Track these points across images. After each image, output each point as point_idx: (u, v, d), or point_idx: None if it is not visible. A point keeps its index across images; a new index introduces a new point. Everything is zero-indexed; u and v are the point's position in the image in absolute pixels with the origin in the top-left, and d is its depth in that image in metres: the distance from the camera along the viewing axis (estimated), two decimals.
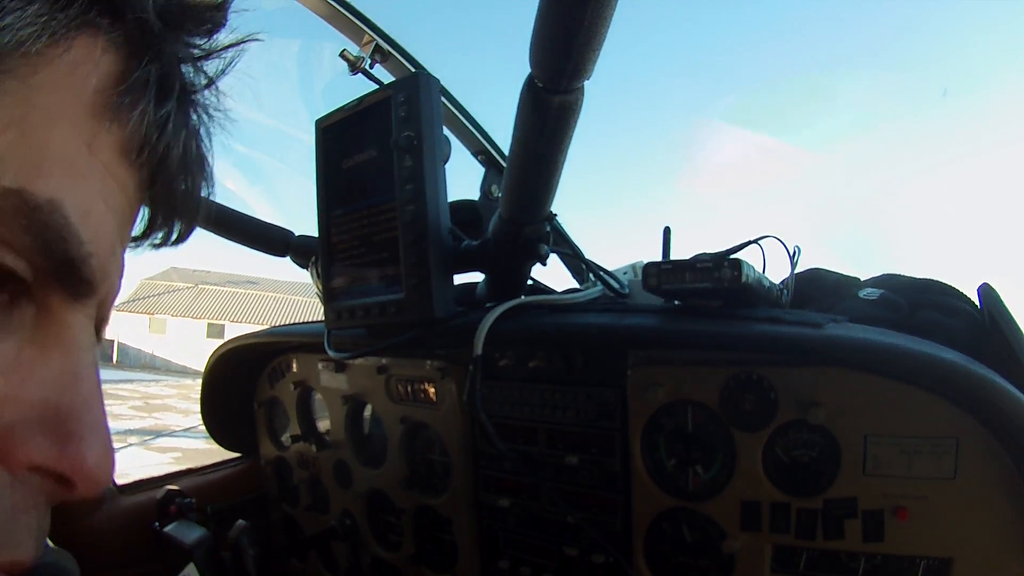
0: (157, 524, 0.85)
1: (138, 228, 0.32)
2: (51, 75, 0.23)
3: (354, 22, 0.96)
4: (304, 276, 0.91)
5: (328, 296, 0.80)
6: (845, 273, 0.80)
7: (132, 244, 0.33)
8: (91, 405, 0.26)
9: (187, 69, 0.30)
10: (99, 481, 0.26)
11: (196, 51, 0.30)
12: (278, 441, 1.12)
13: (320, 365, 0.97)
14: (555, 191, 0.62)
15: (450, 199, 0.71)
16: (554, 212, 0.66)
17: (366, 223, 0.74)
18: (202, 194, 0.34)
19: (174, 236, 0.34)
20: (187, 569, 0.77)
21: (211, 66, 0.31)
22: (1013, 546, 0.51)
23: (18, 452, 0.24)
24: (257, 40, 0.32)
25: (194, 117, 0.31)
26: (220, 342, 1.08)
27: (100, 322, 0.29)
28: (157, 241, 0.34)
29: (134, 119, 0.26)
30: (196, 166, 0.32)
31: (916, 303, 0.69)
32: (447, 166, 0.71)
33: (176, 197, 0.32)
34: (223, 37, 0.31)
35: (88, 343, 0.27)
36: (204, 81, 0.31)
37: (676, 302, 0.67)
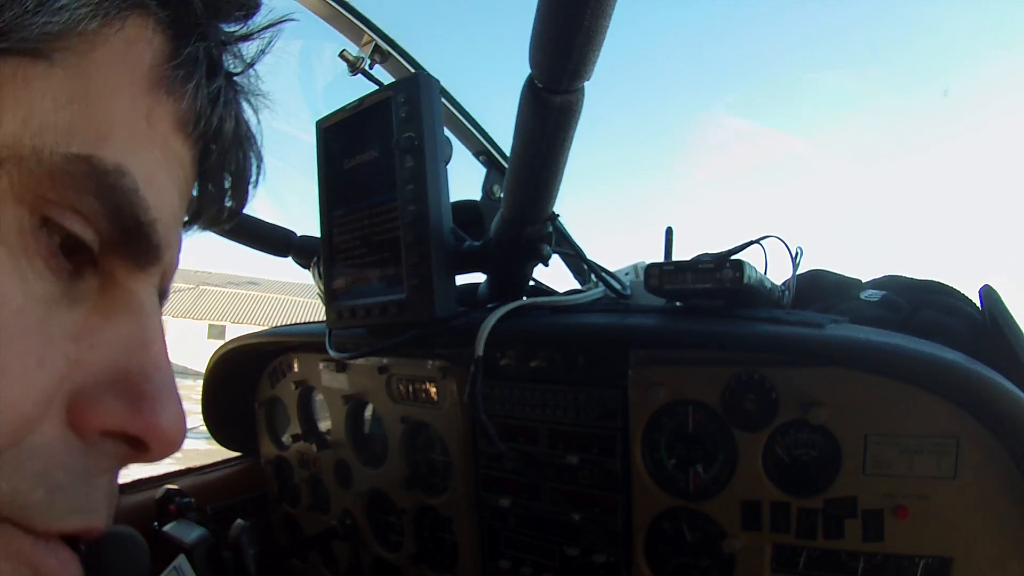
0: (156, 523, 0.85)
1: (191, 208, 0.33)
2: (107, 52, 0.24)
3: (353, 22, 0.97)
4: (305, 277, 0.91)
5: (329, 296, 0.80)
6: (846, 274, 0.80)
7: (184, 228, 0.33)
8: (161, 367, 0.26)
9: (228, 52, 0.31)
10: (173, 441, 0.27)
11: (236, 33, 0.31)
12: (279, 441, 1.12)
13: (321, 365, 0.97)
14: (557, 192, 0.62)
15: (452, 199, 0.71)
16: (556, 212, 0.66)
17: (368, 223, 0.74)
18: (253, 171, 0.35)
19: (226, 214, 0.35)
20: (177, 561, 0.77)
21: (249, 48, 0.32)
22: (1013, 546, 0.51)
23: (90, 417, 0.24)
24: (292, 20, 0.33)
25: (240, 96, 0.32)
26: (221, 343, 1.08)
27: (162, 294, 0.30)
28: (210, 220, 0.34)
29: (188, 93, 0.27)
30: (247, 142, 0.33)
31: (917, 304, 0.69)
32: (449, 166, 0.71)
33: (229, 172, 0.33)
34: (259, 19, 0.32)
35: (154, 309, 0.27)
36: (244, 63, 0.32)
37: (678, 303, 0.67)
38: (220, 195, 0.34)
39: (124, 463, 0.27)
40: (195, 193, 0.33)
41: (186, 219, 0.33)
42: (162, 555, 0.82)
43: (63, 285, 0.23)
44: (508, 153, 0.60)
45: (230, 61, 0.31)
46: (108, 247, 0.25)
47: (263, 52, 0.32)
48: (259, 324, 18.91)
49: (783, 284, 0.69)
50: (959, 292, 0.70)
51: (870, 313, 0.69)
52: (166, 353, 0.27)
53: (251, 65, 0.32)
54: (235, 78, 0.31)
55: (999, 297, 0.62)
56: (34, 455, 0.23)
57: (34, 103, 0.22)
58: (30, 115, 0.21)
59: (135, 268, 0.26)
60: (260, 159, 0.35)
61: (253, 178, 0.35)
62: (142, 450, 0.26)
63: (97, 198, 0.23)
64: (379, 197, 0.72)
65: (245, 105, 0.33)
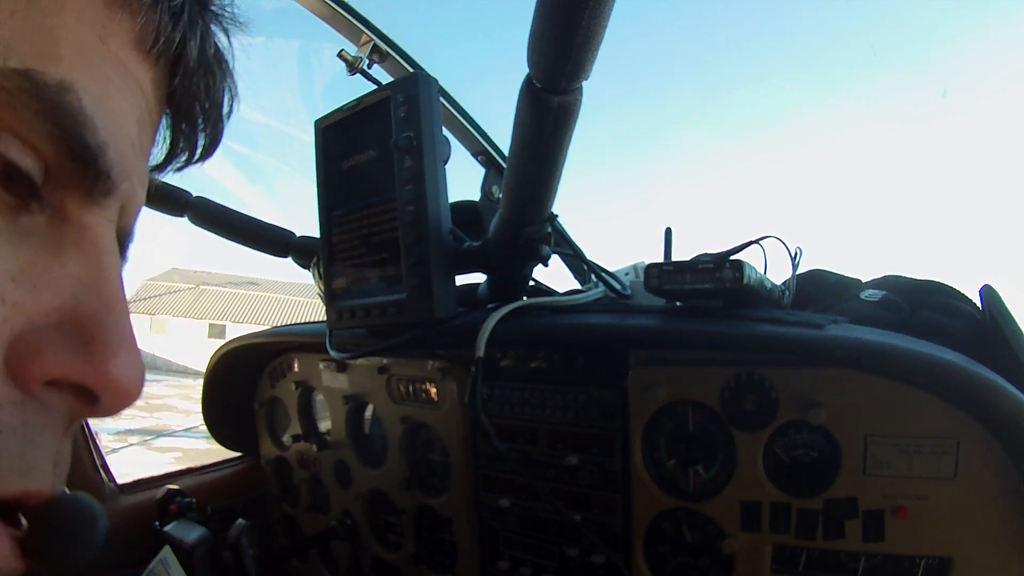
0: (157, 523, 0.85)
1: (161, 152, 0.31)
2: None
3: (352, 22, 0.97)
4: (305, 277, 0.91)
5: (329, 296, 0.80)
6: (846, 274, 0.80)
7: (157, 169, 0.31)
8: (114, 308, 0.24)
9: None
10: (127, 392, 0.24)
11: None
12: (279, 441, 1.12)
13: (321, 365, 0.97)
14: (556, 192, 0.62)
15: (451, 200, 0.71)
16: (555, 213, 0.66)
17: (367, 223, 0.74)
18: (225, 100, 0.32)
19: (199, 150, 0.32)
20: (162, 553, 0.77)
21: None
22: (1013, 546, 0.50)
23: (31, 365, 0.22)
24: None
25: (210, 16, 0.29)
26: (221, 343, 1.08)
27: (124, 234, 0.27)
28: (182, 160, 0.32)
29: (146, 6, 0.25)
30: (216, 64, 0.30)
31: (917, 304, 0.69)
32: (447, 167, 0.71)
33: (198, 99, 0.30)
34: None
35: (109, 246, 0.25)
36: None
37: (678, 303, 0.67)
38: (192, 128, 0.31)
39: (74, 419, 0.24)
40: (169, 132, 0.31)
41: (163, 159, 0.31)
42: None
43: (4, 220, 0.21)
44: (507, 153, 0.60)
45: None
46: (55, 176, 0.22)
47: None
48: (259, 324, 18.93)
49: (783, 284, 0.68)
50: (959, 292, 0.70)
51: (870, 313, 0.69)
52: (121, 294, 0.25)
53: None
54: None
55: (999, 297, 0.62)
56: None
57: None
58: None
59: (88, 201, 0.23)
60: (234, 88, 0.32)
61: (227, 108, 0.32)
62: (92, 402, 0.24)
63: (38, 117, 0.21)
64: (378, 197, 0.72)
65: (216, 28, 0.30)
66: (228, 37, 0.31)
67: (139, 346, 0.25)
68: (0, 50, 0.20)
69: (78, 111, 0.22)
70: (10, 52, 0.20)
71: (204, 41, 0.29)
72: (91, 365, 0.23)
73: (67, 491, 0.26)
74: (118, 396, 0.24)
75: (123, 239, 0.27)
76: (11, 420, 0.21)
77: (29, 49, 0.21)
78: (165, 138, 0.31)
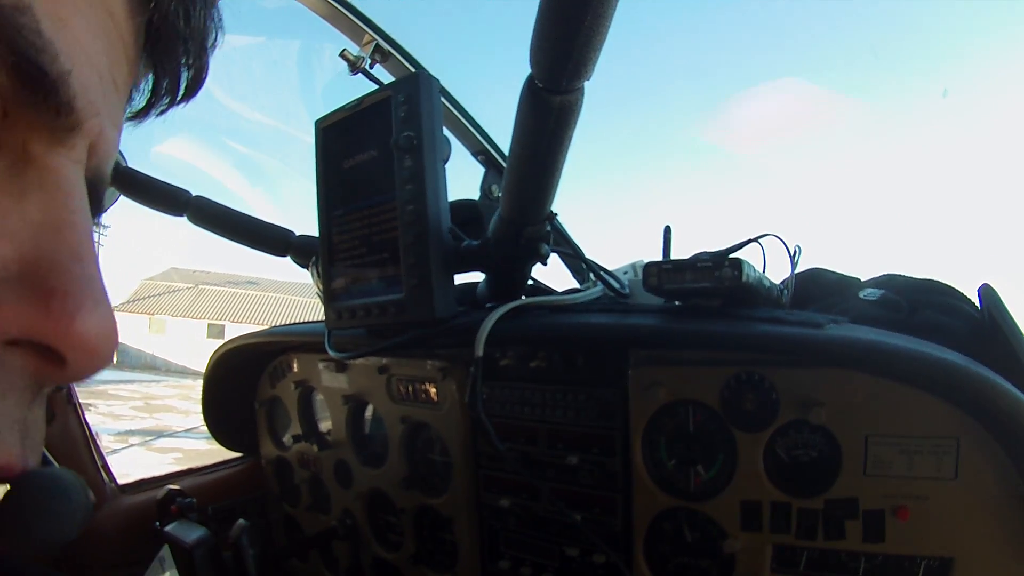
0: (158, 524, 0.85)
1: (144, 98, 0.29)
2: None
3: (354, 22, 0.97)
4: (304, 276, 0.91)
5: (329, 296, 0.80)
6: (846, 273, 0.80)
7: (139, 115, 0.29)
8: (81, 256, 0.21)
9: None
10: (95, 350, 0.21)
11: None
12: (279, 441, 1.12)
13: (321, 365, 0.97)
14: (555, 191, 0.62)
15: (450, 199, 0.71)
16: (555, 212, 0.66)
17: (366, 223, 0.74)
18: (210, 30, 0.29)
19: (182, 89, 0.29)
20: (162, 552, 0.76)
21: None
22: (1013, 546, 0.51)
23: None
24: None
25: None
26: (220, 342, 1.08)
27: (95, 179, 0.24)
28: (165, 103, 0.29)
29: None
30: None
31: (916, 303, 0.69)
32: (447, 166, 0.71)
33: (177, 28, 0.27)
34: None
35: (76, 188, 0.22)
36: None
37: (677, 302, 0.67)
38: (174, 63, 0.28)
39: (42, 384, 0.22)
40: (151, 73, 0.28)
41: (144, 103, 0.28)
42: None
43: None
44: (507, 153, 0.60)
45: None
46: (13, 114, 0.20)
47: None
48: (258, 323, 18.94)
49: (782, 283, 0.69)
50: (958, 291, 0.70)
51: (869, 312, 0.69)
52: (90, 242, 0.22)
53: None
54: None
55: (998, 297, 0.62)
56: None
57: None
58: None
59: (51, 139, 0.21)
60: (218, 18, 0.29)
61: (211, 39, 0.29)
62: (57, 364, 0.21)
63: None
64: (378, 197, 0.72)
65: None
66: None
67: (109, 301, 0.22)
68: None
69: (35, 34, 0.19)
70: None
71: None
72: (53, 321, 0.20)
73: (56, 466, 0.25)
74: (85, 355, 0.21)
75: (95, 184, 0.24)
76: None
77: None
78: (147, 80, 0.28)
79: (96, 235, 0.24)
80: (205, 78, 0.30)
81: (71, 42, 0.21)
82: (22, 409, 0.21)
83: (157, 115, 0.30)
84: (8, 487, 0.22)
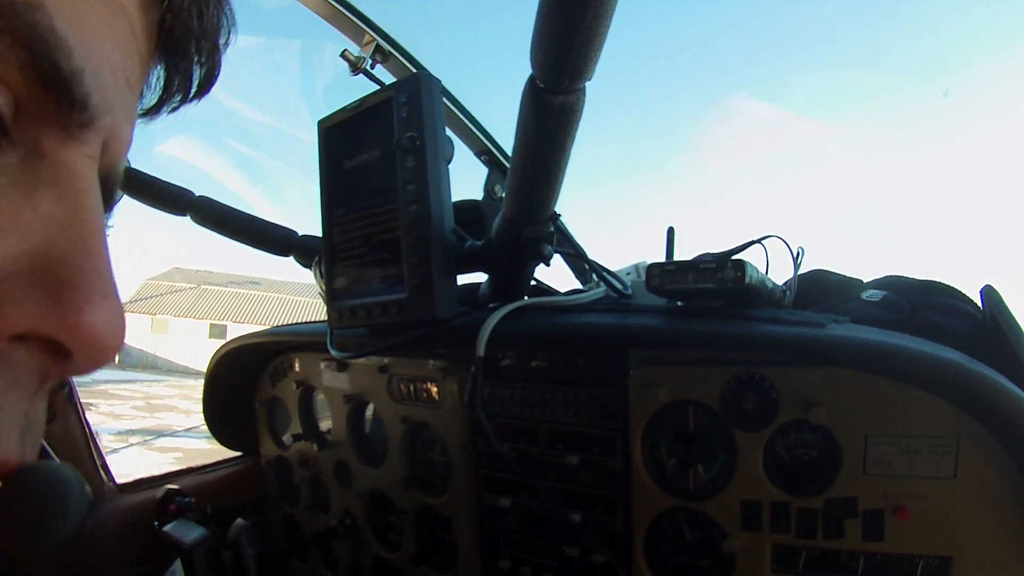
0: (157, 523, 0.85)
1: (155, 95, 0.29)
2: None
3: (355, 22, 0.97)
4: (307, 276, 0.91)
5: (331, 296, 0.80)
6: (848, 274, 0.80)
7: (151, 112, 0.29)
8: (93, 252, 0.21)
9: None
10: (104, 345, 0.21)
11: None
12: (279, 440, 1.12)
13: (322, 364, 0.98)
14: (558, 191, 0.62)
15: (453, 199, 0.71)
16: (557, 212, 0.67)
17: (369, 223, 0.74)
18: (223, 26, 0.29)
19: (194, 86, 0.29)
20: (173, 566, 0.77)
21: None
22: (1013, 546, 0.51)
23: None
24: None
25: None
26: (222, 342, 1.09)
27: (109, 176, 0.24)
28: (177, 100, 0.30)
29: None
30: None
31: (918, 304, 0.69)
32: (450, 166, 0.71)
33: (190, 25, 0.27)
34: None
35: (89, 185, 0.22)
36: None
37: (679, 303, 0.67)
38: (186, 61, 0.28)
39: (46, 378, 0.22)
40: (163, 71, 0.28)
41: (156, 100, 0.29)
42: (163, 555, 0.82)
43: None
44: (510, 153, 0.60)
45: None
46: (27, 109, 0.20)
47: None
48: (261, 323, 18.94)
49: (784, 284, 0.69)
50: (960, 292, 0.70)
51: (871, 313, 0.69)
52: (102, 238, 0.22)
53: None
54: None
55: (1000, 297, 0.62)
56: None
57: None
58: None
59: (64, 136, 0.21)
60: (231, 17, 0.29)
61: (224, 37, 0.29)
62: (64, 358, 0.21)
63: (3, 39, 0.18)
64: (380, 197, 0.72)
65: None
66: None
67: (119, 296, 0.22)
68: None
69: (49, 31, 0.19)
70: None
71: None
72: (61, 315, 0.20)
73: (57, 460, 0.24)
74: (92, 349, 0.21)
75: (108, 181, 0.24)
76: None
77: None
78: (159, 77, 0.28)
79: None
80: (217, 76, 0.30)
81: (85, 39, 0.21)
82: (24, 404, 0.21)
83: (169, 112, 0.30)
84: (4, 481, 0.22)
